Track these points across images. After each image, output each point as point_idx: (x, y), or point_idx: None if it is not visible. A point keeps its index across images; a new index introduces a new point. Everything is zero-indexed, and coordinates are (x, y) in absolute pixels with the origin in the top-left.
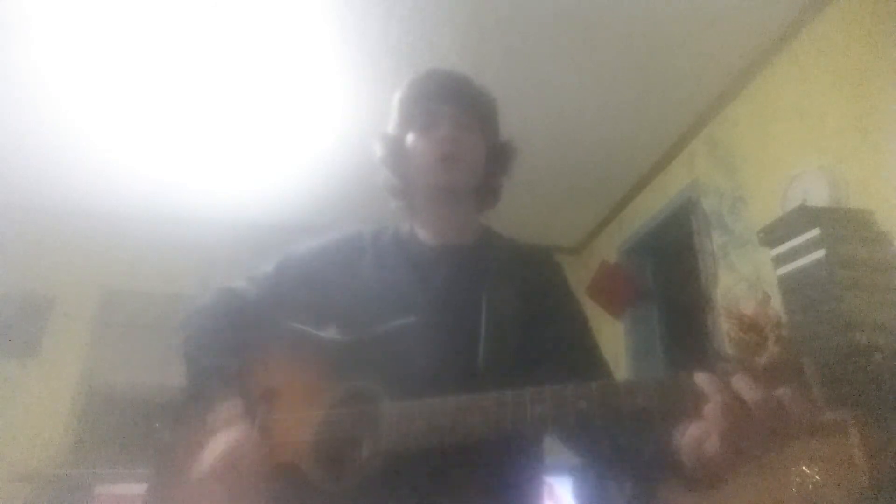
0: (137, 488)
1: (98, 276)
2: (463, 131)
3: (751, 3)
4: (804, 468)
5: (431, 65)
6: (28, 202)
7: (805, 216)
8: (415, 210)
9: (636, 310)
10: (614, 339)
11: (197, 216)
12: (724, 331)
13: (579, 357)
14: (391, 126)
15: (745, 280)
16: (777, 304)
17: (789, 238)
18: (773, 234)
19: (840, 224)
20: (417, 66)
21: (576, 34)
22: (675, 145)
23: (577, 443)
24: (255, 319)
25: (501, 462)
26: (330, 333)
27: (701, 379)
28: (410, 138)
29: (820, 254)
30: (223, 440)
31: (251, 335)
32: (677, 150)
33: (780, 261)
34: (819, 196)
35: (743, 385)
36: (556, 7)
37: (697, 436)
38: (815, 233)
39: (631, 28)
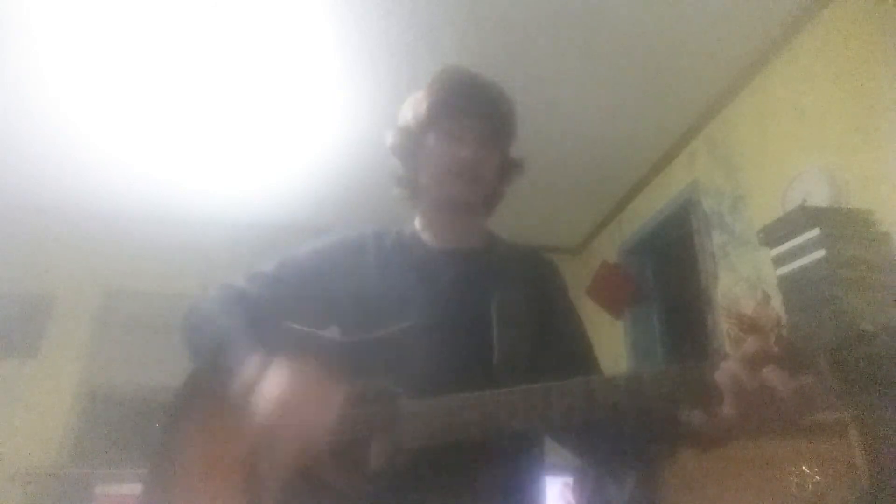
0: (138, 488)
1: (98, 276)
2: (484, 150)
3: (751, 3)
4: (804, 468)
5: (431, 64)
6: (28, 202)
7: (805, 216)
8: (419, 207)
9: (636, 310)
10: (614, 339)
11: (197, 216)
12: (724, 331)
13: (578, 359)
14: (412, 118)
15: (745, 280)
16: (777, 304)
17: (789, 238)
18: (773, 234)
19: (840, 224)
20: (417, 67)
21: (576, 34)
22: (675, 145)
23: (580, 439)
24: (257, 318)
25: (505, 462)
26: (332, 334)
27: (731, 367)
28: (431, 140)
29: (820, 254)
30: (284, 369)
31: (255, 333)
32: (677, 150)
33: (780, 261)
34: (819, 196)
35: (774, 376)
36: (556, 7)
37: (725, 415)
38: (815, 233)
39: (631, 28)
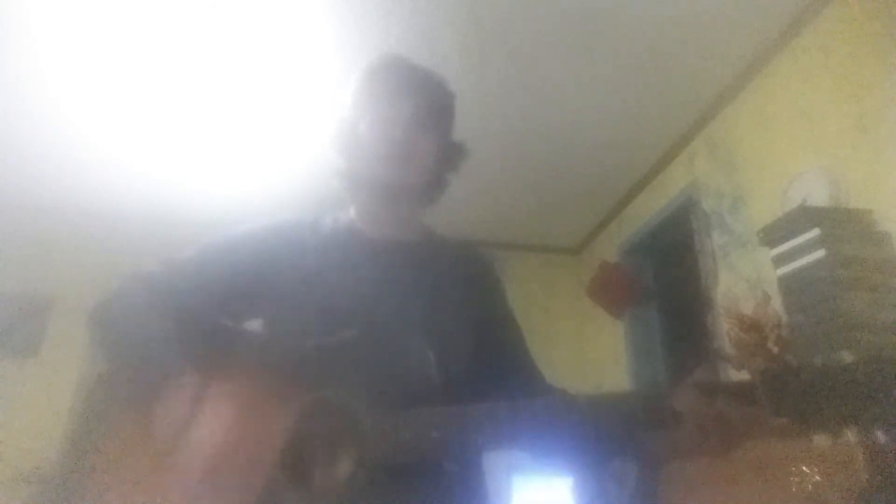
0: None
1: (98, 276)
2: (417, 131)
3: (751, 3)
4: (804, 468)
5: (431, 64)
6: (28, 202)
7: (805, 216)
8: (358, 197)
9: (636, 310)
10: (614, 339)
11: (197, 216)
12: (724, 331)
13: (517, 362)
14: (345, 109)
15: (745, 280)
16: (777, 304)
17: (789, 238)
18: (773, 234)
19: (840, 224)
20: None
21: (576, 34)
22: (675, 145)
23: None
24: (180, 314)
25: (460, 470)
26: (254, 326)
27: (688, 394)
28: (363, 128)
29: (820, 254)
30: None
31: (176, 330)
32: (677, 150)
33: (780, 261)
34: (819, 196)
35: (725, 405)
36: (557, 7)
37: (680, 439)
38: (815, 233)
39: (631, 28)
